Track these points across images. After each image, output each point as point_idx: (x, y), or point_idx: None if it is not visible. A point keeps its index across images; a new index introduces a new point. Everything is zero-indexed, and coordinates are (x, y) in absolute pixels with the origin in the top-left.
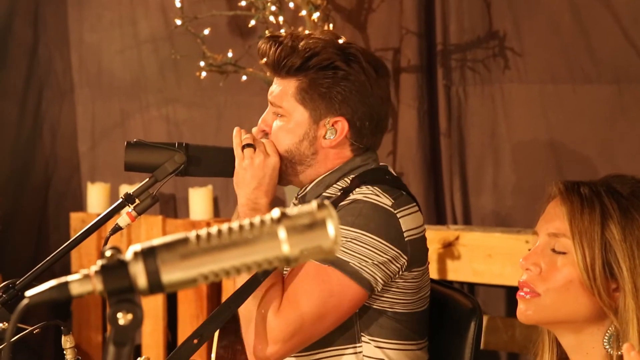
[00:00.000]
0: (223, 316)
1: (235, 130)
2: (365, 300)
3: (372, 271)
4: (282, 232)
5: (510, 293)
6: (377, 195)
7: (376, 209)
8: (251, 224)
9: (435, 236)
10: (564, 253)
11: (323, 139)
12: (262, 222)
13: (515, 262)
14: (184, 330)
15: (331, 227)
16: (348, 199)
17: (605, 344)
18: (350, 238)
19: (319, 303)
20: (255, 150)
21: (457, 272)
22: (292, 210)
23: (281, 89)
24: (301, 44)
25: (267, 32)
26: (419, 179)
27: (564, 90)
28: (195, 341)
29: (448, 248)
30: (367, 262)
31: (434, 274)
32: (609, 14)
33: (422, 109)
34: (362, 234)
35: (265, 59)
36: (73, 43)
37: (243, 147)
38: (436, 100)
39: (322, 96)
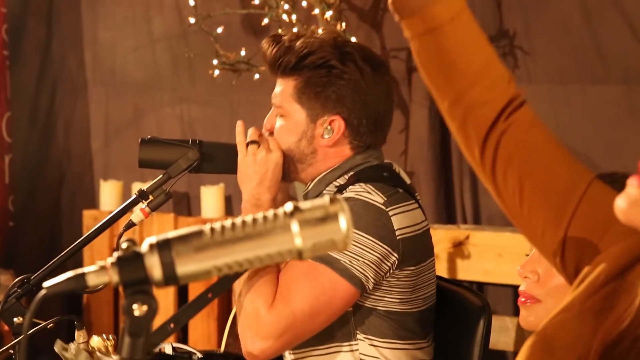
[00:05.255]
0: (200, 305)
1: (239, 125)
2: (356, 298)
3: (362, 269)
4: (294, 226)
5: None
6: (369, 193)
7: (367, 206)
8: (264, 217)
9: (445, 235)
10: None
11: (321, 137)
12: (275, 215)
13: None
14: (195, 328)
15: (343, 221)
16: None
17: None
18: None
19: (310, 300)
20: (259, 146)
21: (467, 271)
22: (305, 203)
23: (281, 89)
24: (298, 43)
25: (279, 30)
26: (429, 178)
27: (572, 90)
28: (172, 325)
29: (458, 247)
30: (358, 260)
31: (443, 272)
32: (619, 15)
33: (433, 108)
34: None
35: (265, 59)
36: (87, 40)
37: (247, 144)
38: None
39: (318, 95)
